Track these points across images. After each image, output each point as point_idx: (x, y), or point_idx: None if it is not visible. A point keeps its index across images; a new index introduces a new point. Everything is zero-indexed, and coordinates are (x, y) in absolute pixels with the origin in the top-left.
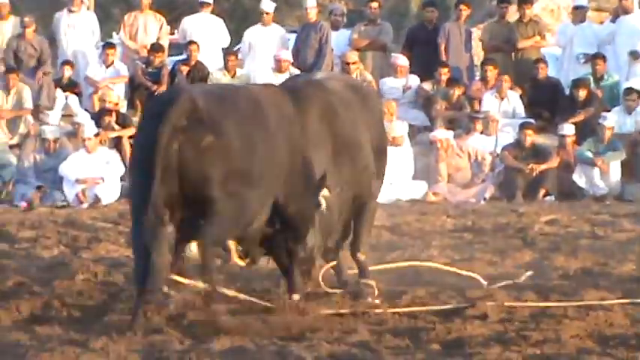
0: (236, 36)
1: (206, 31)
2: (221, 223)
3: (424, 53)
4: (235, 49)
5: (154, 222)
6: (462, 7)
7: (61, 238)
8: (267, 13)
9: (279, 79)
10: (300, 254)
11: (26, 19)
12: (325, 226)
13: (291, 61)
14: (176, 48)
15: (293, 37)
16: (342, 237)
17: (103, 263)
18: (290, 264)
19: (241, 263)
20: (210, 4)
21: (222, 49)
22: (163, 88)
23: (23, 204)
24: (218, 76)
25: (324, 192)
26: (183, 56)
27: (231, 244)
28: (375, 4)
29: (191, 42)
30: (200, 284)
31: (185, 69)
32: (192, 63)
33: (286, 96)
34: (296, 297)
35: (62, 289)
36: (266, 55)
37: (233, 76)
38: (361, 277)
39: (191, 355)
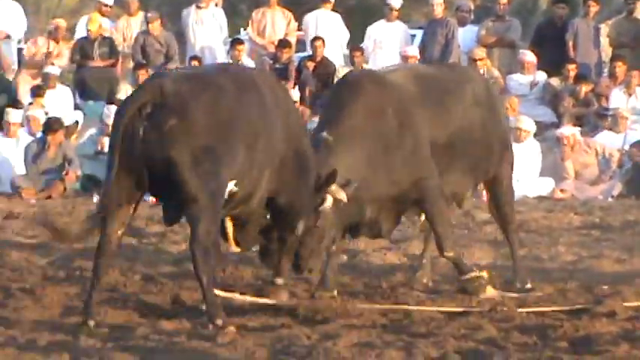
0: (361, 32)
1: (327, 28)
2: (204, 210)
3: (552, 50)
4: (361, 45)
5: (106, 207)
6: (591, 3)
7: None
8: (393, 9)
9: None
10: (290, 241)
11: (150, 14)
12: (346, 218)
13: (418, 56)
14: (303, 44)
15: (420, 33)
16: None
17: (229, 259)
18: (279, 250)
19: (237, 249)
20: (329, 1)
21: (348, 44)
22: (290, 84)
23: (152, 199)
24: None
25: (332, 187)
26: (309, 52)
27: (229, 230)
28: (504, 1)
29: (316, 38)
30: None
31: (311, 65)
32: (318, 59)
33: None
34: (279, 281)
35: (190, 284)
36: (390, 50)
37: None
38: (461, 273)
39: (318, 351)
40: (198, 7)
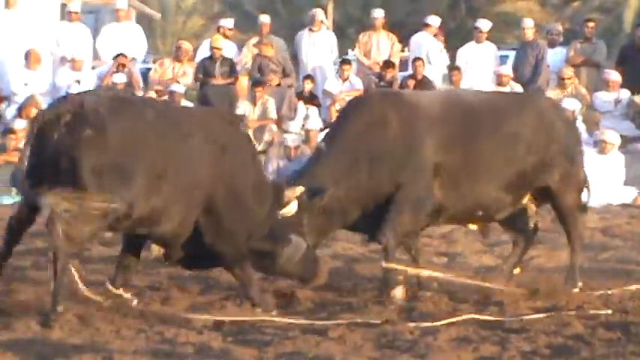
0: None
1: (428, 49)
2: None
3: (635, 69)
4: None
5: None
6: None
7: None
8: (481, 32)
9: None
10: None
11: (264, 39)
12: (328, 221)
13: (511, 75)
14: (405, 64)
15: (512, 54)
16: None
17: (340, 259)
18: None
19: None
20: (430, 25)
21: (447, 65)
22: None
23: None
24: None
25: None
26: (410, 72)
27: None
28: (591, 24)
29: (417, 58)
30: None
31: (412, 83)
32: (419, 78)
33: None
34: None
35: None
36: (480, 70)
37: None
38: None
39: (420, 345)
40: (311, 31)
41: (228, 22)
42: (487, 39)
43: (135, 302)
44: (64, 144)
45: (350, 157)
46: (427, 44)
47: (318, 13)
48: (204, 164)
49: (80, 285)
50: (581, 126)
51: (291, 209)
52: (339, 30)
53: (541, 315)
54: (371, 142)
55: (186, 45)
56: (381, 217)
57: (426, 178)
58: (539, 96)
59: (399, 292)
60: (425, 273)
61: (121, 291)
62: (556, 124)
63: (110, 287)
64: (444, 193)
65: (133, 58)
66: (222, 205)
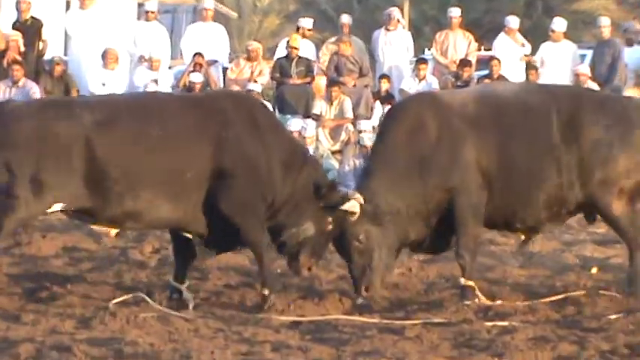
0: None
1: (506, 48)
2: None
3: None
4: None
5: None
6: None
7: None
8: (555, 31)
9: None
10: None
11: (344, 37)
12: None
13: (589, 74)
14: (483, 63)
15: (590, 53)
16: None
17: (414, 259)
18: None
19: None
20: (511, 27)
21: (525, 63)
22: None
23: None
24: None
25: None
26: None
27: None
28: None
29: (493, 57)
30: None
31: (487, 82)
32: (495, 77)
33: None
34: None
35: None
36: (558, 68)
37: None
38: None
39: (497, 344)
40: (387, 30)
41: (307, 23)
42: (565, 37)
43: (192, 304)
44: None
45: (399, 168)
46: (505, 44)
47: (395, 12)
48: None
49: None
50: None
51: (354, 206)
52: (416, 29)
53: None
54: (414, 149)
55: (255, 45)
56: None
57: (468, 183)
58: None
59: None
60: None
61: (183, 288)
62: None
63: (175, 283)
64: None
65: (216, 61)
66: (232, 177)
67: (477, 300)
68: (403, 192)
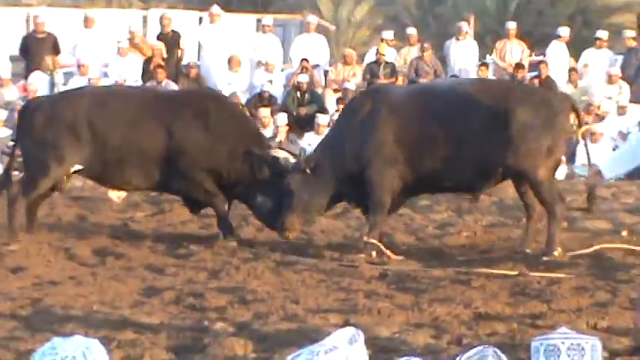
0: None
1: (556, 55)
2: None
3: None
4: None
5: None
6: None
7: (450, 205)
8: (601, 40)
9: (610, 89)
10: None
11: (425, 45)
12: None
13: (620, 75)
14: (534, 66)
15: (620, 58)
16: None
17: (481, 225)
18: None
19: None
20: (562, 36)
21: (569, 67)
22: None
23: None
24: (564, 88)
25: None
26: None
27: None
28: None
29: (541, 61)
30: None
31: (537, 81)
32: (543, 77)
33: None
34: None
35: (451, 243)
36: (597, 71)
37: (575, 87)
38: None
39: (546, 292)
40: (457, 39)
41: (389, 35)
42: (605, 46)
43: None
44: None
45: (336, 133)
46: (555, 50)
47: (464, 25)
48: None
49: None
50: None
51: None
52: (479, 38)
53: None
54: (349, 124)
55: (349, 51)
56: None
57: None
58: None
59: None
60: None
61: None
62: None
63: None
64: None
65: (318, 65)
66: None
67: (385, 256)
68: (332, 157)
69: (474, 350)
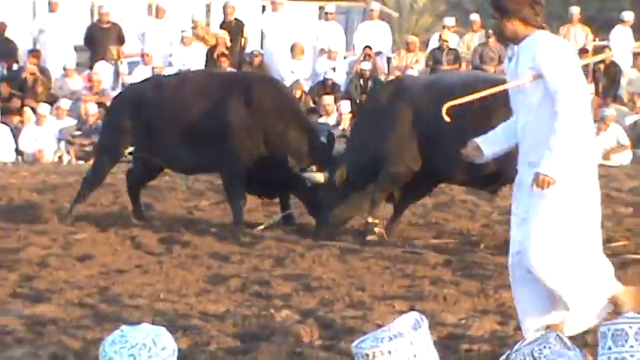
0: None
1: (620, 39)
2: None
3: None
4: None
5: None
6: None
7: None
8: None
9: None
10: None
11: (490, 31)
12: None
13: None
14: (598, 51)
15: None
16: None
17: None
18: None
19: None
20: (625, 20)
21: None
22: (588, 80)
23: None
24: (629, 72)
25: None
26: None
27: None
28: None
29: (605, 46)
30: None
31: (602, 67)
32: (607, 62)
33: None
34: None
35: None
36: None
37: None
38: None
39: None
40: None
41: (450, 21)
42: None
43: None
44: None
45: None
46: (620, 35)
47: None
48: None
49: None
50: None
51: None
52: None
53: None
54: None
55: (412, 38)
56: None
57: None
58: None
59: None
60: None
61: None
62: None
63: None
64: None
65: (381, 52)
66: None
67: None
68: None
69: (537, 334)
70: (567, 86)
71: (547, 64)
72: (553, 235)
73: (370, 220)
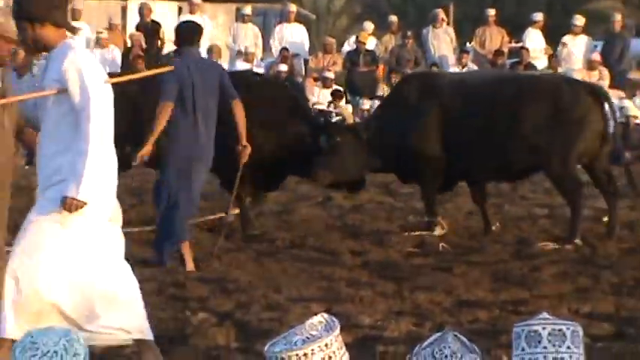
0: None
1: (533, 41)
2: None
3: None
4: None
5: None
6: None
7: None
8: (577, 26)
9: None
10: None
11: (409, 33)
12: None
13: (600, 61)
14: (513, 53)
15: (600, 44)
16: None
17: (462, 211)
18: None
19: None
20: (536, 21)
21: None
22: None
23: None
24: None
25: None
26: (516, 59)
27: None
28: None
29: (522, 47)
30: None
31: (519, 68)
32: (524, 63)
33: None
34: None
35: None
36: (575, 56)
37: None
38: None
39: (528, 279)
40: (435, 27)
41: (369, 26)
42: (582, 32)
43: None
44: None
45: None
46: (533, 37)
47: (440, 12)
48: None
49: None
50: None
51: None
52: (459, 25)
53: None
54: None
55: (329, 40)
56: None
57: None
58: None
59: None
60: None
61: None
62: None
63: None
64: None
65: (298, 54)
66: None
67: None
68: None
69: (435, 336)
70: (92, 105)
71: (72, 79)
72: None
73: (428, 219)
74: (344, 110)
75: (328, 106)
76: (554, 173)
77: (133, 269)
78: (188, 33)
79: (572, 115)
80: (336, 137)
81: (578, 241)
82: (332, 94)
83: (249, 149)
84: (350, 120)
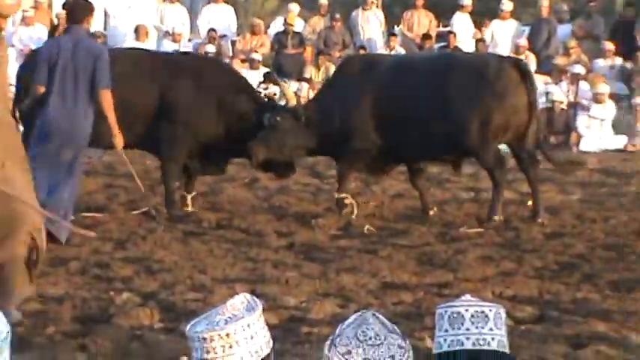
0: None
1: (460, 25)
2: None
3: (626, 41)
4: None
5: None
6: None
7: (358, 175)
8: (505, 11)
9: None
10: None
11: (337, 15)
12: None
13: (527, 46)
14: (441, 38)
15: (528, 28)
16: None
17: (387, 195)
18: None
19: None
20: (464, 5)
21: (474, 38)
22: None
23: None
24: None
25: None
26: (444, 43)
27: None
28: (592, 4)
29: (450, 32)
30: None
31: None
32: (452, 47)
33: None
34: None
35: (359, 213)
36: (503, 41)
37: None
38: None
39: (452, 262)
40: (364, 9)
41: (295, 7)
42: (510, 17)
43: None
44: None
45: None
46: (459, 21)
47: None
48: None
49: None
50: (585, 85)
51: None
52: (388, 8)
53: None
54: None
55: (257, 21)
56: None
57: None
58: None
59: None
60: None
61: None
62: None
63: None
64: None
65: (225, 35)
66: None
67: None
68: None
69: (354, 316)
70: None
71: None
72: None
73: (338, 195)
74: (286, 90)
75: (258, 86)
76: (474, 145)
77: (55, 249)
78: (76, 11)
79: (495, 88)
80: (276, 117)
81: (497, 217)
82: (264, 76)
83: (120, 138)
84: (292, 101)
